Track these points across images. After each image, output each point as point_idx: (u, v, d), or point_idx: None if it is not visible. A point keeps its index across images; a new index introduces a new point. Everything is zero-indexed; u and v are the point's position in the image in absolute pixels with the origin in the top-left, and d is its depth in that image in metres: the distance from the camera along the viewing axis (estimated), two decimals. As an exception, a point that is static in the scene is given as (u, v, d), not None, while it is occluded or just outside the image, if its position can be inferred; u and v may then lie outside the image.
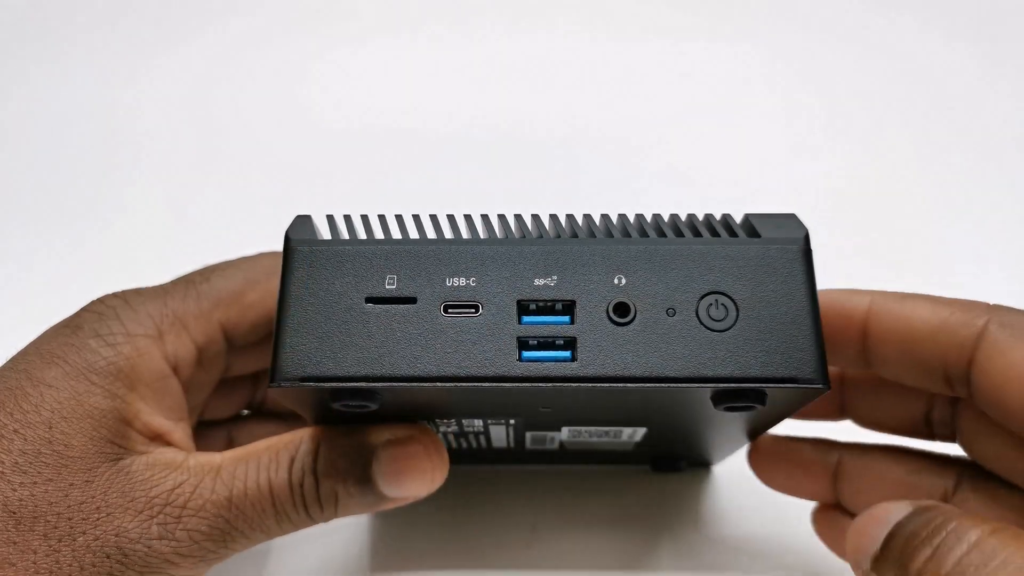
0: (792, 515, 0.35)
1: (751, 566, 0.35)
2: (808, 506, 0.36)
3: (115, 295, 0.29)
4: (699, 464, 0.39)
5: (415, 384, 0.22)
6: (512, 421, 0.29)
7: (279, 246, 0.26)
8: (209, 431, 0.35)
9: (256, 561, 0.36)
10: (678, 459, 0.38)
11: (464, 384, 0.22)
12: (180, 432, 0.29)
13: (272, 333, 0.31)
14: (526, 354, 0.23)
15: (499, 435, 0.31)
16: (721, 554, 0.36)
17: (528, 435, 0.32)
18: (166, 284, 0.30)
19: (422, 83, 0.51)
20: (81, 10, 0.54)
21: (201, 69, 0.52)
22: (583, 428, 0.31)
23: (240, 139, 0.49)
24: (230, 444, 0.35)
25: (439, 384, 0.22)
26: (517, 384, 0.22)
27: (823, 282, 0.25)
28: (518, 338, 0.23)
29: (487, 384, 0.22)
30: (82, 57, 0.52)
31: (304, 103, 0.51)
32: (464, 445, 0.33)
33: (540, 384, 0.22)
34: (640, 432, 0.32)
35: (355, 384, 0.22)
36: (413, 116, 0.50)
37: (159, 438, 0.28)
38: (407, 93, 0.51)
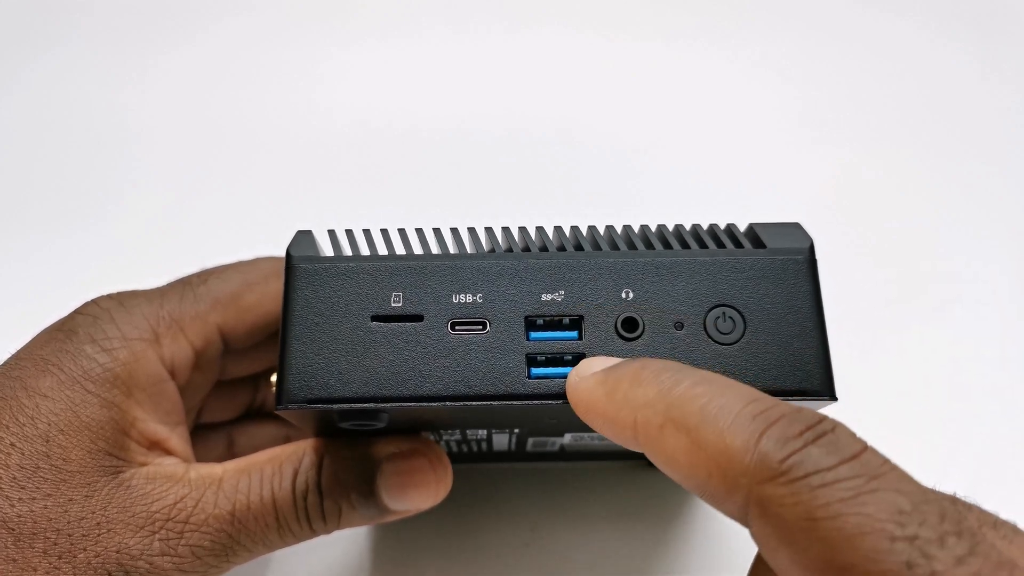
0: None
1: (746, 557, 0.36)
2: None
3: (109, 297, 0.29)
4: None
5: (424, 404, 0.22)
6: (516, 430, 0.29)
7: (279, 249, 0.25)
8: (210, 434, 0.34)
9: (256, 569, 0.36)
10: None
11: (473, 403, 0.22)
12: (177, 437, 0.29)
13: (270, 337, 0.32)
14: (535, 371, 0.22)
15: (501, 441, 0.31)
16: (718, 546, 0.37)
17: (530, 440, 0.32)
18: (162, 286, 0.30)
19: (423, 84, 0.51)
20: (79, 11, 0.53)
21: (200, 70, 0.51)
22: (586, 434, 0.31)
23: (240, 140, 0.49)
24: (231, 447, 0.35)
25: (448, 404, 0.22)
26: (527, 402, 0.22)
27: (827, 285, 0.25)
28: (527, 355, 0.23)
29: (496, 403, 0.22)
30: (81, 58, 0.51)
31: (304, 104, 0.50)
32: (465, 450, 0.33)
33: (550, 402, 0.22)
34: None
35: (363, 405, 0.22)
36: (414, 117, 0.49)
37: (157, 445, 0.28)
38: (407, 94, 0.50)
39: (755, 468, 0.17)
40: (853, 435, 0.17)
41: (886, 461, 0.16)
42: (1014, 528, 0.19)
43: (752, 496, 0.17)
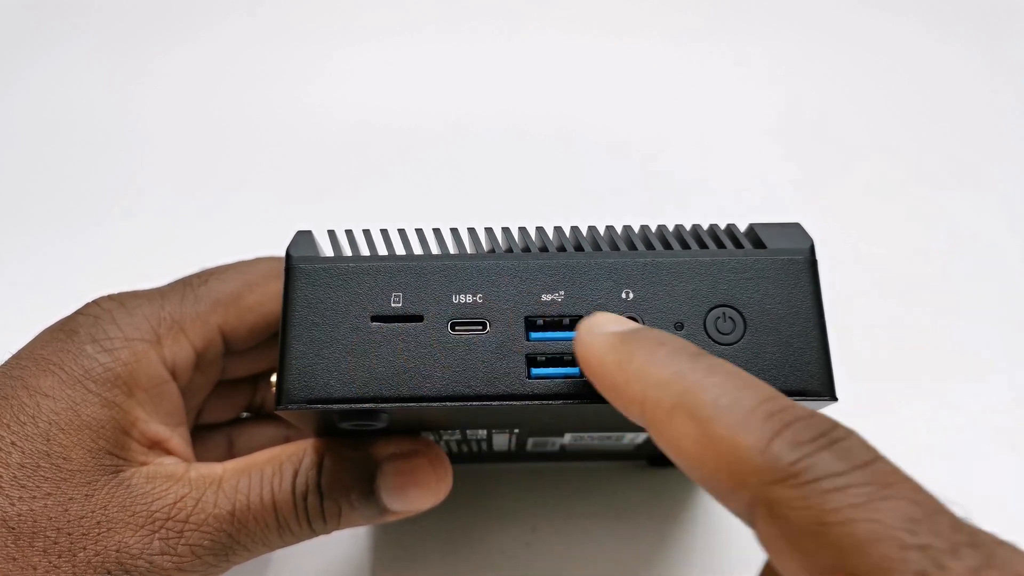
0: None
1: (748, 557, 0.36)
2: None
3: (110, 297, 0.29)
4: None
5: (424, 404, 0.22)
6: (516, 430, 0.29)
7: (279, 249, 0.25)
8: (209, 435, 0.34)
9: (256, 569, 0.36)
10: None
11: (473, 403, 0.22)
12: (178, 438, 0.29)
13: (271, 338, 0.32)
14: (535, 371, 0.22)
15: (501, 442, 0.31)
16: (718, 547, 0.37)
17: (530, 440, 0.32)
18: (163, 287, 0.30)
19: (423, 84, 0.51)
20: (79, 11, 0.53)
21: (201, 70, 0.51)
22: (586, 434, 0.31)
23: (241, 140, 0.49)
24: (230, 447, 0.35)
25: (448, 404, 0.22)
26: (527, 402, 0.22)
27: (827, 285, 0.25)
28: (527, 355, 0.23)
29: (496, 403, 0.22)
30: (82, 58, 0.51)
31: (304, 104, 0.50)
32: (465, 450, 0.33)
33: (550, 402, 0.22)
34: (642, 436, 0.32)
35: (363, 406, 0.22)
36: (414, 117, 0.49)
37: (157, 446, 0.28)
38: (408, 93, 0.50)
39: (765, 468, 0.16)
40: (866, 444, 0.17)
41: (898, 471, 0.16)
42: (1014, 548, 0.19)
43: (760, 497, 0.16)
